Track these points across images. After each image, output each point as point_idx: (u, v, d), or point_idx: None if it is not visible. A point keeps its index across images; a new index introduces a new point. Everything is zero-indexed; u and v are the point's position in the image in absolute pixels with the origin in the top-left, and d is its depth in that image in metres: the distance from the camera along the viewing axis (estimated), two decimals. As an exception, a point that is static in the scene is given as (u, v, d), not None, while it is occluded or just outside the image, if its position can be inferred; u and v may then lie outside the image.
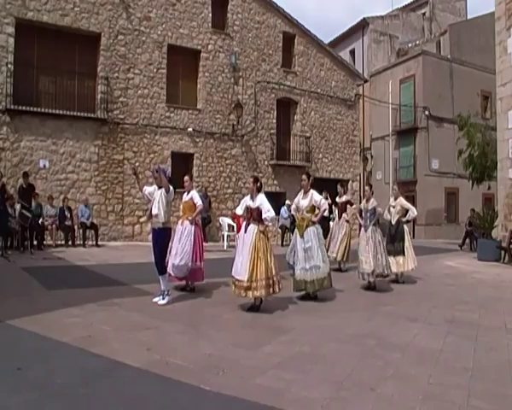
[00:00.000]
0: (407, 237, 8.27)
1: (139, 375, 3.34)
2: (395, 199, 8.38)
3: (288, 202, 15.82)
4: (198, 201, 6.68)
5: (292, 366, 3.63)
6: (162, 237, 5.90)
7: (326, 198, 8.72)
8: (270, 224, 5.69)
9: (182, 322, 4.98)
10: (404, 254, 8.05)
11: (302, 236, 6.33)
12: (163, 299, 5.77)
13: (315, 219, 6.34)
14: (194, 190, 6.97)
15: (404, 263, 8.07)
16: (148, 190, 6.25)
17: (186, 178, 6.87)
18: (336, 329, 4.87)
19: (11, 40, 12.86)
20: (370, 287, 7.30)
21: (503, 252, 11.95)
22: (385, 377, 3.42)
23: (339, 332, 4.71)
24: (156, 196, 5.94)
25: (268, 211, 5.52)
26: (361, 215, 7.70)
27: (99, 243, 12.67)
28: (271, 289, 5.49)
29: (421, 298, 6.89)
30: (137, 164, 14.84)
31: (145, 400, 2.94)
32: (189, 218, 6.56)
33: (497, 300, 6.90)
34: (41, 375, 3.26)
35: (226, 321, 5.13)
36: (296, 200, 6.66)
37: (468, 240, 16.55)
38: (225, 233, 14.31)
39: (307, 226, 6.32)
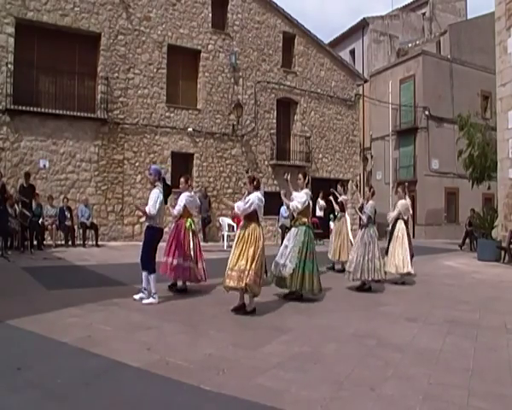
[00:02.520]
0: (398, 240, 8.06)
1: (139, 375, 3.34)
2: (399, 200, 8.41)
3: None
4: (175, 208, 6.63)
5: (292, 366, 3.63)
6: (149, 235, 5.95)
7: (323, 198, 8.82)
8: (236, 211, 5.65)
9: (182, 322, 4.98)
10: (387, 255, 7.95)
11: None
12: (147, 299, 5.78)
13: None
14: (185, 193, 6.77)
15: (386, 264, 7.83)
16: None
17: (181, 179, 6.87)
18: (336, 329, 4.87)
19: (11, 40, 12.86)
20: (364, 288, 7.23)
21: (503, 252, 11.96)
22: (385, 377, 3.42)
23: (339, 332, 4.71)
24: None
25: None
26: (361, 212, 7.70)
27: (99, 243, 12.66)
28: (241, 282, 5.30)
29: (421, 298, 6.89)
30: (137, 164, 14.87)
31: (145, 400, 2.94)
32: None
33: (497, 300, 6.91)
34: (41, 375, 3.26)
35: (226, 321, 5.13)
36: (293, 196, 6.72)
37: (468, 240, 16.56)
38: (225, 233, 14.31)
39: (291, 226, 6.54)
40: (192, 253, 6.53)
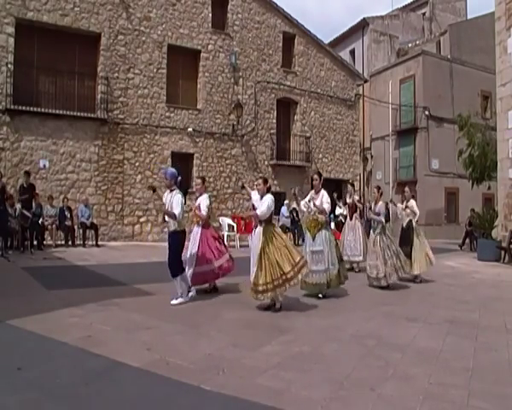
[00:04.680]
0: (418, 241, 8.22)
1: (139, 375, 3.34)
2: (407, 201, 8.39)
3: (286, 201, 15.85)
4: (202, 210, 6.63)
5: (292, 365, 3.62)
6: (177, 239, 5.96)
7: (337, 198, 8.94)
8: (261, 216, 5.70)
9: (182, 322, 4.97)
10: (410, 258, 8.01)
11: (314, 238, 6.36)
12: (176, 299, 5.82)
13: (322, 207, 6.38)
14: (205, 195, 6.80)
15: (412, 266, 8.02)
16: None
17: (198, 181, 6.86)
18: (336, 329, 4.86)
19: (11, 40, 12.86)
20: (383, 287, 7.33)
21: (503, 252, 11.95)
22: (385, 377, 3.42)
23: (339, 332, 4.70)
24: (167, 199, 5.91)
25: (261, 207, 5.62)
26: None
27: (99, 243, 12.65)
28: (283, 288, 5.44)
29: (421, 298, 6.89)
30: (137, 164, 14.87)
31: (145, 400, 2.94)
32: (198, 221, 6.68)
33: (497, 300, 6.90)
34: (41, 375, 3.26)
35: (226, 321, 5.12)
36: (308, 200, 6.60)
37: (468, 240, 16.56)
38: (225, 233, 14.31)
39: (320, 229, 6.36)
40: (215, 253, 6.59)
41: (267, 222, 5.61)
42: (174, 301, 5.79)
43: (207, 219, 6.75)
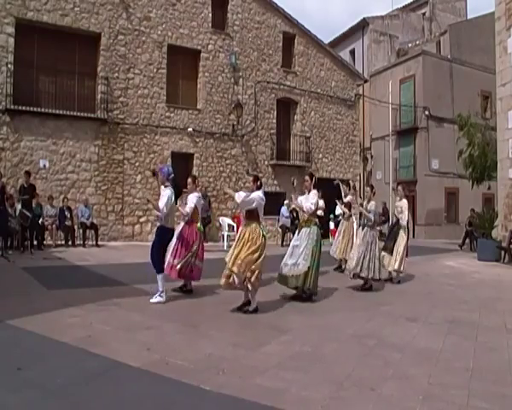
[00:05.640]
0: (400, 240, 8.14)
1: (139, 375, 3.34)
2: (399, 200, 8.41)
3: (287, 201, 15.84)
4: (187, 206, 6.54)
5: (292, 366, 3.62)
6: (159, 234, 5.97)
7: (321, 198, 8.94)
8: (237, 199, 5.70)
9: (182, 322, 4.98)
10: (391, 254, 8.05)
11: (298, 233, 6.46)
12: (155, 297, 5.81)
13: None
14: (193, 194, 6.72)
15: (390, 262, 8.07)
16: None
17: (189, 180, 6.85)
18: (336, 329, 4.87)
19: (11, 40, 12.86)
20: (365, 287, 7.29)
21: (503, 252, 11.94)
22: (385, 377, 3.42)
23: (339, 332, 4.71)
24: (160, 194, 6.01)
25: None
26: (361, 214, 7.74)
27: (99, 243, 12.66)
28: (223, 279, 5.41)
29: (421, 298, 6.89)
30: (137, 164, 14.87)
31: (145, 400, 2.94)
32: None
33: (497, 300, 6.90)
34: (41, 375, 3.26)
35: (226, 321, 5.12)
36: (299, 199, 6.67)
37: (468, 240, 16.55)
38: (225, 233, 14.32)
39: (302, 227, 6.43)
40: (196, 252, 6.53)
41: (250, 218, 5.56)
42: (153, 300, 5.78)
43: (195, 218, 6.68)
